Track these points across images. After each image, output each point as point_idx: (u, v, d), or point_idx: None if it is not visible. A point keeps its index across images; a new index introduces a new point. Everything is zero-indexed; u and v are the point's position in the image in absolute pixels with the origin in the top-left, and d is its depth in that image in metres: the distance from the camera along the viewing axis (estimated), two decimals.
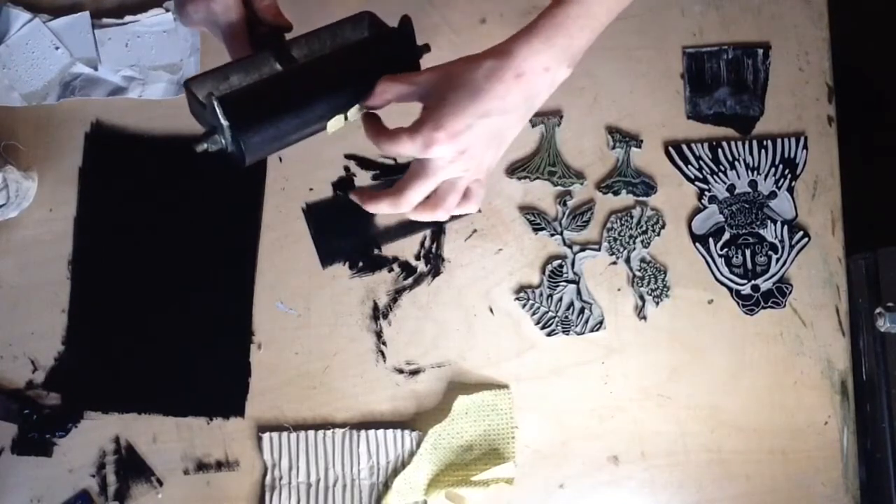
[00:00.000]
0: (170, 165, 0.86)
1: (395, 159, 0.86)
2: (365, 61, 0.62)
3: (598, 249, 0.86)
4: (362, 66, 0.61)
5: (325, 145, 0.86)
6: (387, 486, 0.82)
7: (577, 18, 0.59)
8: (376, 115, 0.63)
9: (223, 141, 0.57)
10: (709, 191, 0.87)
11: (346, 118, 0.61)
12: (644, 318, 0.85)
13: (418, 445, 0.82)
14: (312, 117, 0.59)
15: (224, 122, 0.56)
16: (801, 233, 0.87)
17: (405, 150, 0.60)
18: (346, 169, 0.86)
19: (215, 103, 0.56)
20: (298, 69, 0.61)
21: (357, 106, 0.61)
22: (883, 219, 0.94)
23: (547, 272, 0.85)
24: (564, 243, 0.86)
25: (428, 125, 0.58)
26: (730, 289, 0.86)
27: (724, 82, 0.88)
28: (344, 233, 0.85)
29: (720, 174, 0.87)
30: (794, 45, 0.89)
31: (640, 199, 0.87)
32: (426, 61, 0.64)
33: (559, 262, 0.86)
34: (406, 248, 0.86)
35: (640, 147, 0.87)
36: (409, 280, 0.85)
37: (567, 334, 0.85)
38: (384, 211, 0.63)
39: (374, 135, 0.62)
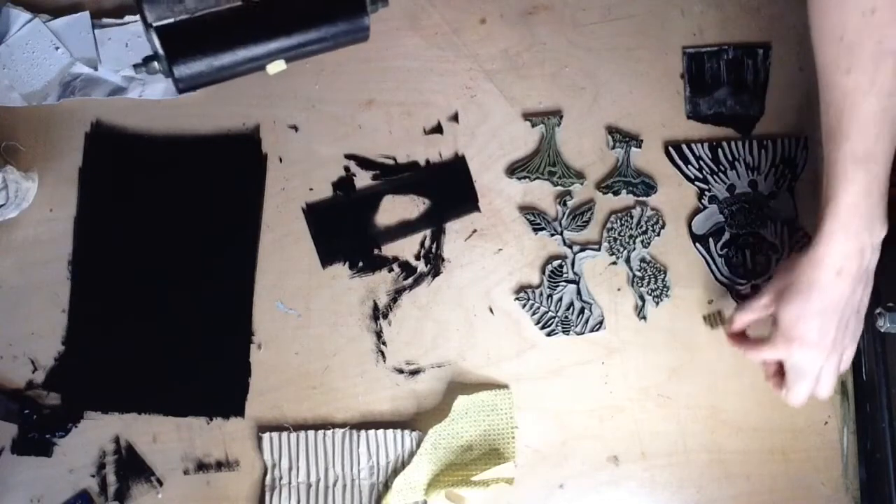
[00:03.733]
0: (170, 165, 0.86)
1: (394, 158, 0.86)
2: (317, 7, 0.63)
3: (598, 249, 0.86)
4: (313, 11, 0.63)
5: (325, 145, 0.87)
6: (387, 486, 0.82)
7: (868, 186, 0.64)
8: (741, 334, 0.79)
9: (159, 67, 0.60)
10: (709, 191, 0.87)
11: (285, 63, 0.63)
12: (644, 318, 0.85)
13: (418, 445, 0.82)
14: (253, 58, 0.62)
15: (160, 52, 0.58)
16: (801, 233, 0.86)
17: (769, 356, 0.74)
18: (346, 169, 0.86)
19: (153, 33, 0.58)
20: (253, 6, 0.62)
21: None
22: None
23: (547, 272, 0.85)
24: (564, 243, 0.86)
25: (780, 339, 0.70)
26: (730, 289, 0.86)
27: (724, 82, 0.88)
28: (344, 233, 0.85)
29: (720, 174, 0.87)
30: (794, 45, 0.89)
31: (640, 199, 0.87)
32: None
33: (559, 262, 0.86)
34: (406, 248, 0.86)
35: (640, 147, 0.87)
36: (409, 280, 0.85)
37: (567, 334, 0.85)
38: (792, 400, 0.75)
39: (748, 348, 0.77)
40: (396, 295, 0.85)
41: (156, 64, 0.60)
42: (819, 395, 0.73)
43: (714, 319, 0.85)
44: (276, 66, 0.63)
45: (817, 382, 0.72)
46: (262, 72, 0.63)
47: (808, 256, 0.68)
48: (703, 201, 0.87)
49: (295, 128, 0.86)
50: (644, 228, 0.86)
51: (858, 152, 0.63)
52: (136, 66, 0.62)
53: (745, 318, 0.76)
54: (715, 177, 0.87)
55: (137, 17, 0.86)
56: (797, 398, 0.73)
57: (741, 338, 0.78)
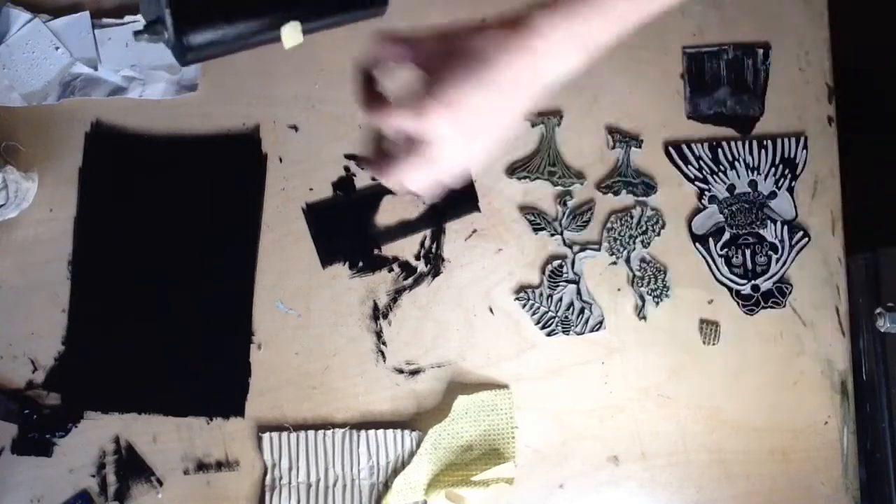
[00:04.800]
0: (170, 165, 0.86)
1: None
2: None
3: (598, 249, 0.86)
4: None
5: (325, 145, 0.87)
6: (387, 486, 0.82)
7: (598, 9, 0.55)
8: (373, 81, 0.57)
9: (165, 33, 0.54)
10: (709, 191, 0.87)
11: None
12: (644, 318, 0.85)
13: (418, 445, 0.82)
14: (265, 25, 0.56)
15: (166, 10, 0.53)
16: (801, 233, 0.87)
17: (399, 119, 0.54)
18: (346, 169, 0.86)
19: None
20: None
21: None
22: (883, 219, 0.94)
23: (547, 272, 0.85)
24: (564, 243, 0.86)
25: (425, 94, 0.53)
26: (730, 289, 0.86)
27: (724, 82, 0.88)
28: (344, 233, 0.85)
29: (720, 174, 0.87)
30: (794, 45, 0.89)
31: (640, 199, 0.87)
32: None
33: (559, 262, 0.86)
34: (406, 248, 0.86)
35: (640, 147, 0.87)
36: (409, 280, 0.85)
37: (567, 334, 0.85)
38: (391, 179, 0.57)
39: (370, 102, 0.56)
40: (396, 295, 0.85)
41: (160, 27, 0.55)
42: (420, 187, 0.57)
43: (709, 334, 0.85)
44: (293, 38, 0.56)
45: (427, 169, 0.56)
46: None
47: (512, 19, 0.54)
48: (703, 201, 0.87)
49: (295, 128, 0.86)
50: (644, 228, 0.86)
51: None
52: (136, 34, 0.55)
53: (392, 51, 0.56)
54: (715, 177, 0.87)
55: (137, 16, 0.86)
56: (408, 178, 0.56)
57: (370, 88, 0.57)
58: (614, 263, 0.86)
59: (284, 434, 0.82)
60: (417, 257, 0.85)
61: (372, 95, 0.56)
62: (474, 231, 0.86)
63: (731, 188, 0.87)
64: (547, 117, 0.87)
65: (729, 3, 0.89)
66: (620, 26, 0.56)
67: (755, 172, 0.87)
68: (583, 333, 0.85)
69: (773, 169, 0.87)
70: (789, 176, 0.87)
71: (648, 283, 0.85)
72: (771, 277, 0.86)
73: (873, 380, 0.85)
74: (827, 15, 0.89)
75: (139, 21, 0.86)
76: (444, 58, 0.54)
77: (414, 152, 0.55)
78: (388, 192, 0.86)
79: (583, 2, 0.54)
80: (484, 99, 0.54)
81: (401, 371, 0.84)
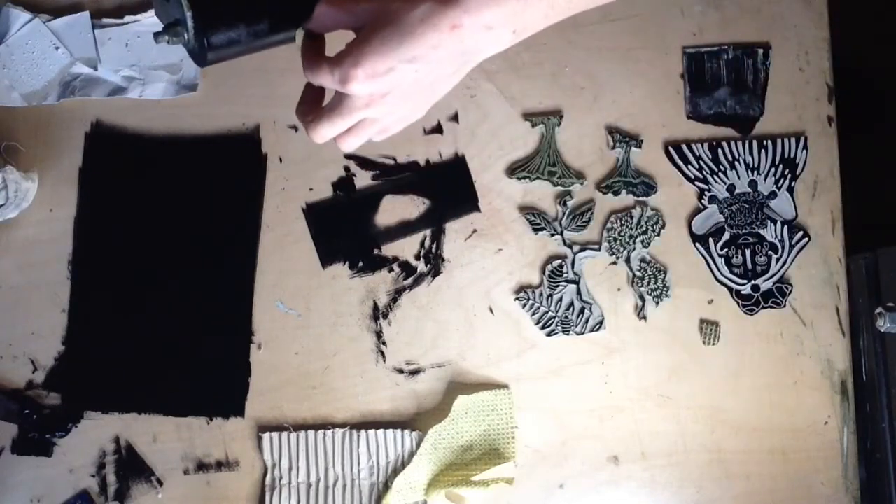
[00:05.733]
0: (170, 165, 0.86)
1: (394, 158, 0.86)
2: None
3: (598, 249, 0.86)
4: None
5: (324, 145, 0.86)
6: (387, 486, 0.82)
7: None
8: (319, 38, 0.58)
9: (185, 34, 0.54)
10: (709, 191, 0.87)
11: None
12: (644, 318, 0.85)
13: (418, 445, 0.82)
14: (283, 25, 0.56)
15: (188, 13, 0.53)
16: (801, 233, 0.87)
17: (324, 80, 0.56)
18: (346, 169, 0.86)
19: None
20: None
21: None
22: (883, 219, 0.94)
23: (547, 272, 0.85)
24: (564, 243, 0.86)
25: (348, 60, 0.53)
26: (730, 289, 0.86)
27: (724, 82, 0.88)
28: (344, 233, 0.85)
29: (720, 174, 0.87)
30: (794, 45, 0.89)
31: (640, 199, 0.87)
32: None
33: (559, 262, 0.86)
34: (406, 248, 0.86)
35: (640, 147, 0.87)
36: (409, 280, 0.85)
37: (567, 334, 0.85)
38: (309, 133, 0.61)
39: (304, 59, 0.57)
40: (396, 295, 0.85)
41: (180, 29, 0.54)
42: (342, 145, 0.62)
43: (709, 334, 0.85)
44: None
45: (348, 131, 0.60)
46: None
47: None
48: (703, 201, 0.87)
49: (295, 128, 0.86)
50: (644, 228, 0.86)
51: None
52: (156, 35, 0.55)
53: (333, 16, 0.56)
54: (715, 177, 0.87)
55: (138, 16, 0.86)
56: (321, 136, 0.61)
57: (311, 50, 0.58)
58: (614, 263, 0.86)
59: (284, 434, 0.82)
60: (417, 257, 0.86)
61: (310, 56, 0.57)
62: (474, 231, 0.86)
63: (731, 188, 0.87)
64: (547, 117, 0.87)
65: (729, 3, 0.89)
66: (550, 9, 0.56)
67: (755, 172, 0.87)
68: (583, 333, 0.85)
69: (773, 169, 0.87)
70: (789, 176, 0.87)
71: (648, 283, 0.85)
72: (771, 277, 0.86)
73: (873, 380, 0.85)
74: (827, 15, 0.89)
75: (139, 21, 0.86)
76: (374, 25, 0.54)
77: (339, 111, 0.57)
78: (389, 191, 0.86)
79: None
80: (406, 71, 0.54)
81: (401, 371, 0.84)
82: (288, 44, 0.58)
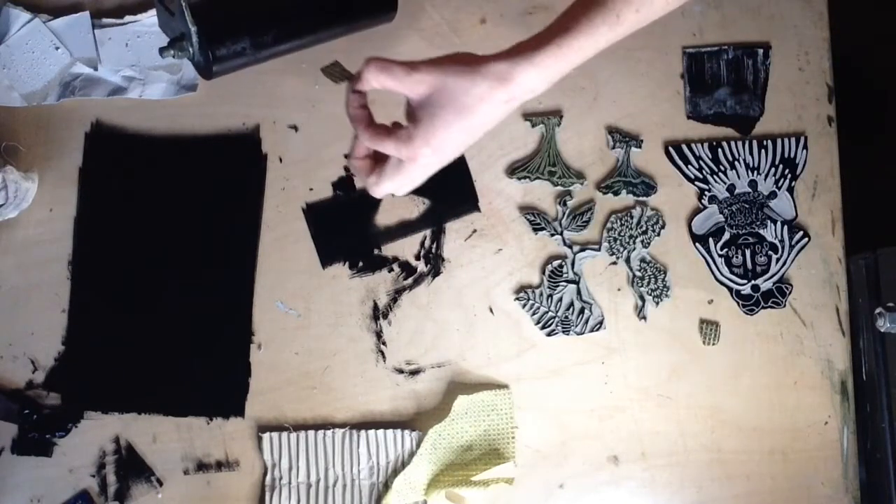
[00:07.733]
0: (170, 165, 0.86)
1: None
2: None
3: (598, 249, 0.86)
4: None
5: (325, 145, 0.87)
6: (387, 486, 0.82)
7: (579, 50, 0.60)
8: (364, 97, 0.62)
9: (191, 48, 0.55)
10: (709, 191, 0.87)
11: None
12: (644, 318, 0.85)
13: (418, 445, 0.82)
14: (285, 38, 0.57)
15: (192, 28, 0.54)
16: (801, 233, 0.87)
17: (387, 150, 0.61)
18: (346, 169, 0.86)
19: (183, 5, 0.53)
20: None
21: None
22: (883, 219, 0.94)
23: (547, 272, 0.85)
24: (564, 243, 0.86)
25: (418, 141, 0.60)
26: (730, 289, 0.86)
27: (724, 82, 0.88)
28: (344, 233, 0.85)
29: (720, 174, 0.87)
30: (794, 45, 0.89)
31: (640, 199, 0.87)
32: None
33: (559, 262, 0.86)
34: (406, 248, 0.86)
35: (640, 147, 0.87)
36: (409, 280, 0.85)
37: (567, 334, 0.85)
38: (371, 190, 0.66)
39: (361, 126, 0.62)
40: (396, 295, 0.85)
41: (185, 44, 0.55)
42: (379, 193, 0.66)
43: (709, 334, 0.85)
44: None
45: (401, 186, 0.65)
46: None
47: (497, 73, 0.59)
48: (703, 201, 0.87)
49: (295, 128, 0.86)
50: (644, 228, 0.86)
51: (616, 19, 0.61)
52: (162, 50, 0.56)
53: (384, 82, 0.60)
54: (715, 177, 0.87)
55: (138, 17, 0.86)
56: (383, 193, 0.65)
57: (366, 116, 0.62)
58: (614, 263, 0.86)
59: (284, 434, 0.82)
60: (417, 257, 0.86)
61: (369, 125, 0.62)
62: (474, 231, 0.86)
63: (731, 188, 0.87)
64: (547, 117, 0.87)
65: (729, 3, 0.89)
66: (579, 60, 0.61)
67: (755, 172, 0.87)
68: (583, 333, 0.85)
69: (773, 169, 0.87)
70: (789, 176, 0.87)
71: (648, 283, 0.85)
72: (771, 277, 0.86)
73: (873, 380, 0.85)
74: (827, 15, 0.89)
75: (139, 21, 0.86)
76: (432, 105, 0.60)
77: (402, 175, 0.63)
78: None
79: (559, 56, 0.60)
80: (464, 139, 0.61)
81: (401, 371, 0.84)
82: (291, 54, 0.59)
